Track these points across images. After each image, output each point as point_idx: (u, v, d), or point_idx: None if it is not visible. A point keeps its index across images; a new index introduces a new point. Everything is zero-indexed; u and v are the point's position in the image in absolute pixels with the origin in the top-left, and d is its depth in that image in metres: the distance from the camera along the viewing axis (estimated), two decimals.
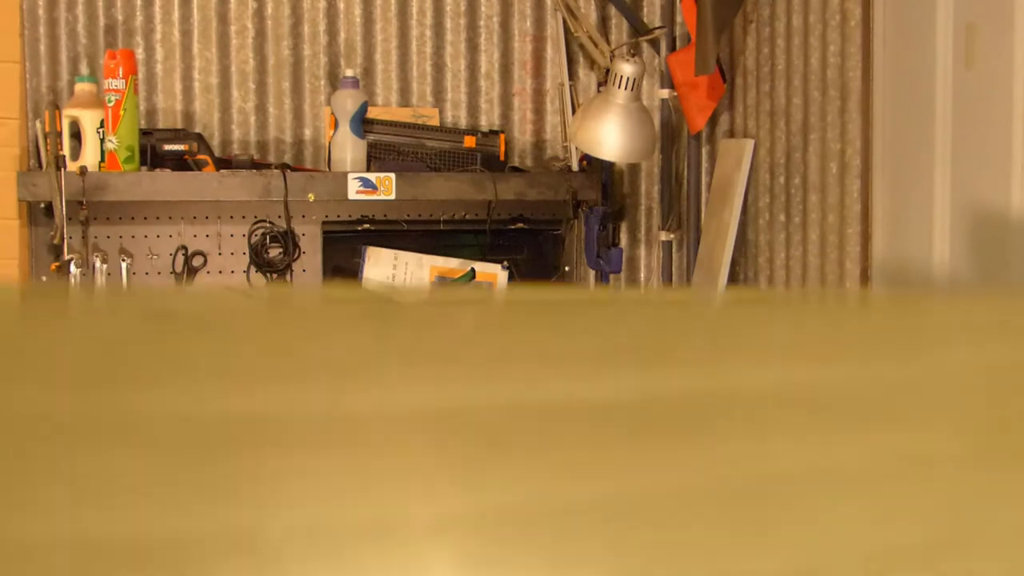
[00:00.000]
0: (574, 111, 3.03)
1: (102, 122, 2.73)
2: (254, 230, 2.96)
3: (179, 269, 2.92)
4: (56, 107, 2.77)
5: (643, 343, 0.49)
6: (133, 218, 2.91)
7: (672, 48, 3.12)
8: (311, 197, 2.84)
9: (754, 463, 0.46)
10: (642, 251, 3.24)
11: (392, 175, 2.86)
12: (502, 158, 3.05)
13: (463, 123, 3.14)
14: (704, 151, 3.11)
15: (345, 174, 2.85)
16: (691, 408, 0.46)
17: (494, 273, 3.01)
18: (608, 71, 2.85)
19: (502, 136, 3.07)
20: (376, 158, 2.96)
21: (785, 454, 0.46)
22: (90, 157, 2.73)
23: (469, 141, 3.03)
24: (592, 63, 3.13)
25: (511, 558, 0.41)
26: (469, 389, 0.44)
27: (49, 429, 0.38)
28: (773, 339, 0.50)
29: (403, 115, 3.10)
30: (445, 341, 0.48)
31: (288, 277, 2.96)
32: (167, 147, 2.84)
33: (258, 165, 2.93)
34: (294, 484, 0.39)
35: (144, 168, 2.79)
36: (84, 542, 0.37)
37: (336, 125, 2.90)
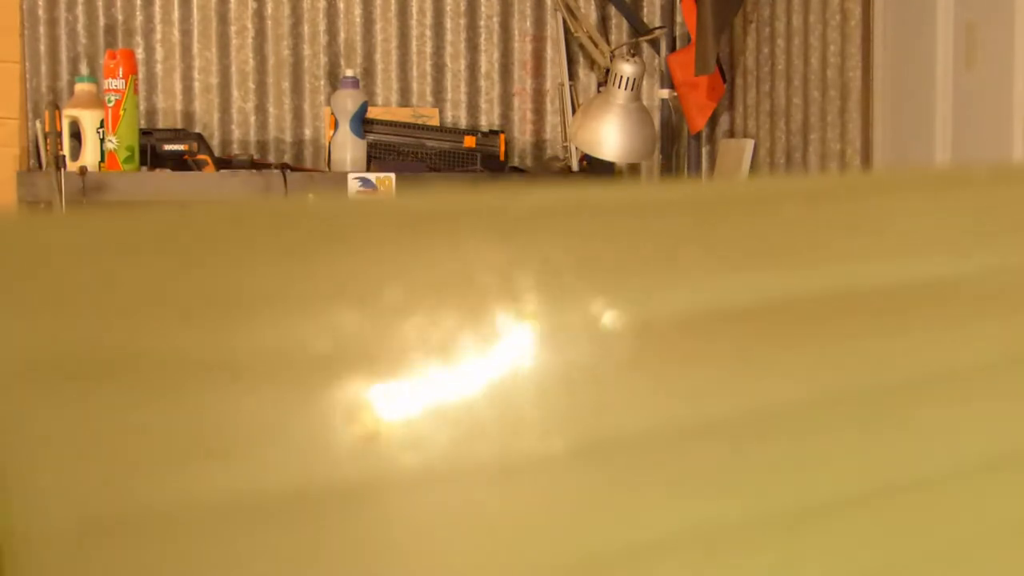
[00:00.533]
0: (574, 111, 3.03)
1: (102, 122, 2.73)
2: None
3: None
4: (56, 107, 2.77)
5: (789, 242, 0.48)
6: None
7: (672, 48, 3.12)
8: (311, 197, 2.84)
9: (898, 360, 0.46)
10: None
11: (392, 175, 2.86)
12: (502, 158, 3.05)
13: (463, 123, 3.14)
14: (704, 151, 3.11)
15: (345, 174, 2.85)
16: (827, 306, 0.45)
17: None
18: (608, 71, 2.85)
19: (502, 136, 3.07)
20: (376, 158, 2.96)
21: (929, 349, 0.46)
22: (90, 157, 2.73)
23: (469, 141, 3.03)
24: (592, 63, 3.13)
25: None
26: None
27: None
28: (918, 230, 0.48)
29: (403, 115, 3.10)
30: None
31: None
32: (167, 147, 2.84)
33: (258, 165, 2.93)
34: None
35: (144, 168, 2.79)
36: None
37: (336, 125, 2.90)
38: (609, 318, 0.41)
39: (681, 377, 0.43)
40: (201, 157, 2.85)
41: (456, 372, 0.40)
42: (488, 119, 3.16)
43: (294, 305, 0.39)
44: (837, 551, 0.45)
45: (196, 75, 3.04)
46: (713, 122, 3.03)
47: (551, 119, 3.18)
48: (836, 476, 0.45)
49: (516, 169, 3.09)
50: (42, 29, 2.96)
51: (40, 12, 2.95)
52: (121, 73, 2.72)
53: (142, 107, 2.94)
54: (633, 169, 3.21)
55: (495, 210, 0.42)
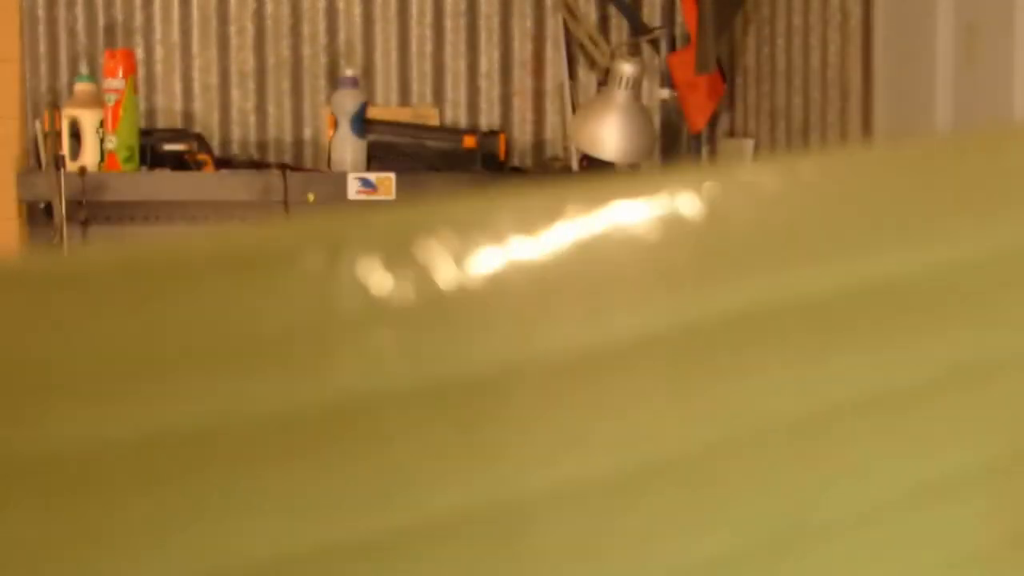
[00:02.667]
0: (574, 111, 3.03)
1: (102, 122, 2.73)
2: None
3: None
4: (56, 107, 2.77)
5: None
6: (133, 218, 2.90)
7: (672, 48, 3.11)
8: (311, 197, 2.84)
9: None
10: None
11: (392, 175, 2.85)
12: (502, 158, 3.05)
13: (463, 123, 3.14)
14: (704, 151, 3.11)
15: (345, 174, 2.85)
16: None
17: None
18: (608, 71, 2.85)
19: (502, 136, 3.06)
20: (376, 158, 2.96)
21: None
22: (90, 157, 2.73)
23: (469, 141, 3.03)
24: (592, 63, 3.13)
25: None
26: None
27: None
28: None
29: (403, 115, 3.10)
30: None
31: None
32: (167, 147, 2.84)
33: (258, 165, 2.93)
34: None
35: (144, 168, 2.79)
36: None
37: (336, 125, 2.90)
38: None
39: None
40: (201, 157, 2.85)
41: None
42: (488, 119, 3.16)
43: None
44: None
45: (196, 75, 3.04)
46: (713, 122, 3.02)
47: (551, 119, 3.18)
48: (755, 518, 0.40)
49: (516, 169, 3.09)
50: (42, 29, 2.96)
51: (40, 12, 2.95)
52: (121, 73, 2.71)
53: (142, 107, 2.94)
54: (633, 169, 3.21)
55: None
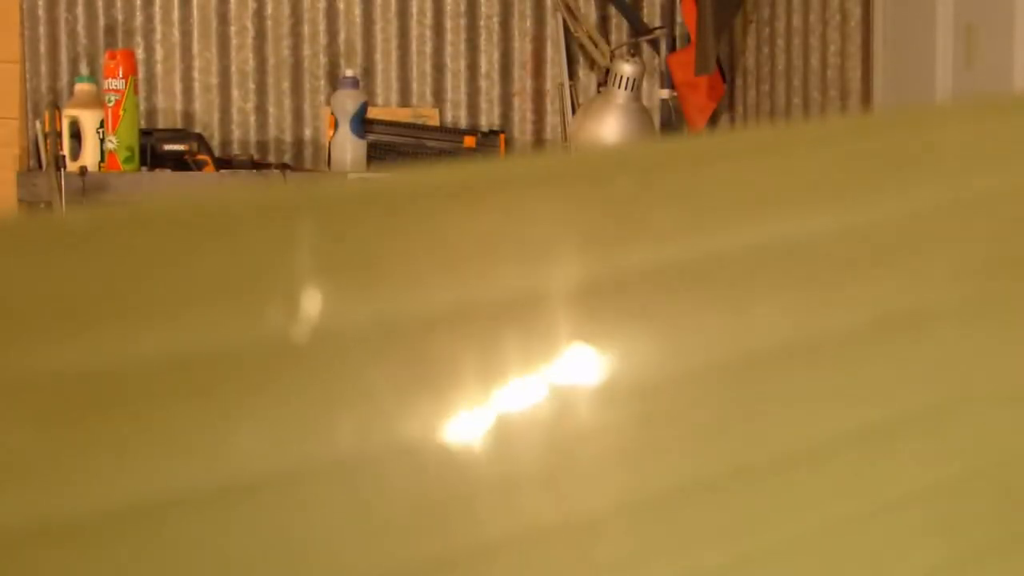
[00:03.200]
0: (574, 111, 3.03)
1: (102, 122, 2.73)
2: None
3: None
4: (56, 107, 2.77)
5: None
6: None
7: (672, 48, 3.12)
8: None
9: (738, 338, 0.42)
10: None
11: None
12: (502, 158, 3.05)
13: (463, 123, 3.14)
14: None
15: (345, 174, 2.85)
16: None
17: None
18: (608, 71, 2.85)
19: (502, 136, 3.07)
20: (376, 158, 2.96)
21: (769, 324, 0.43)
22: (90, 157, 2.73)
23: (469, 141, 3.03)
24: (592, 63, 3.13)
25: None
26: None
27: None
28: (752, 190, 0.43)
29: (403, 115, 3.10)
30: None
31: None
32: (167, 147, 2.84)
33: (258, 165, 2.93)
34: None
35: (144, 168, 2.79)
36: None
37: (336, 125, 2.90)
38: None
39: None
40: (201, 157, 2.85)
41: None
42: (488, 119, 3.16)
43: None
44: (683, 543, 0.41)
45: (196, 75, 3.04)
46: (713, 122, 3.03)
47: (551, 119, 3.18)
48: (680, 462, 0.41)
49: None
50: (42, 29, 2.96)
51: (40, 12, 2.95)
52: (121, 73, 2.72)
53: (142, 107, 2.94)
54: None
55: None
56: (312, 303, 0.35)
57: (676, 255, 0.41)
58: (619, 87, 2.75)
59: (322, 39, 3.08)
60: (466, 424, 0.37)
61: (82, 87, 2.80)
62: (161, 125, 3.00)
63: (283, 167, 2.88)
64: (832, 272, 0.44)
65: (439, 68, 3.14)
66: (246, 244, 0.34)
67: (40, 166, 2.79)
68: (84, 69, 2.95)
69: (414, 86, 3.13)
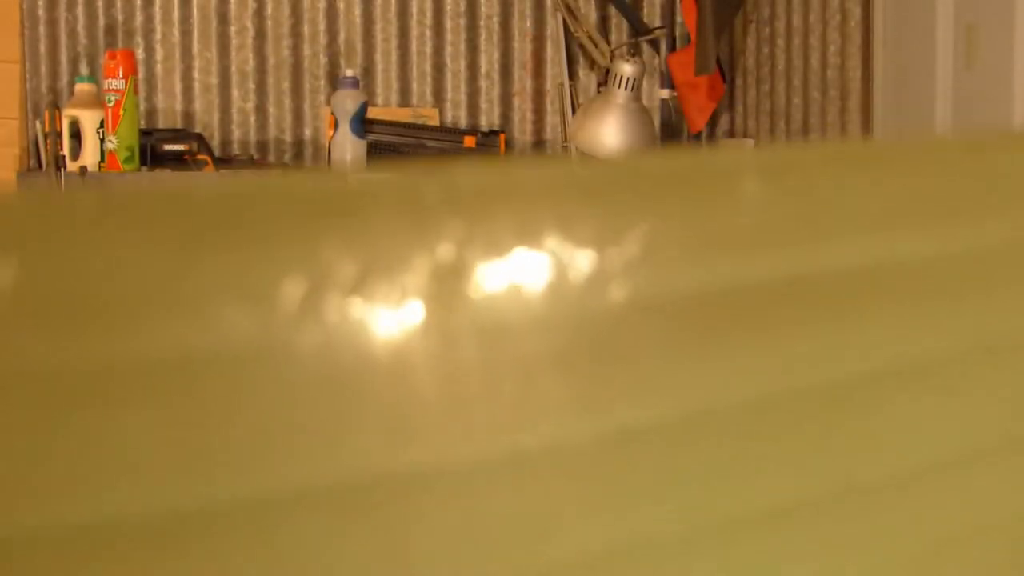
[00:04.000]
0: (574, 111, 3.03)
1: (102, 122, 2.73)
2: None
3: None
4: (56, 107, 2.77)
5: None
6: None
7: (672, 48, 3.12)
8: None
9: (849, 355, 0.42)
10: None
11: None
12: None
13: (463, 123, 3.14)
14: None
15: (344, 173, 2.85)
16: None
17: None
18: (608, 71, 2.85)
19: (502, 136, 3.06)
20: (376, 158, 2.96)
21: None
22: (90, 157, 2.73)
23: (469, 141, 3.03)
24: (592, 63, 3.13)
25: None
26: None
27: None
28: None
29: (403, 115, 3.10)
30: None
31: None
32: (167, 147, 2.84)
33: (258, 165, 2.93)
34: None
35: (144, 168, 2.79)
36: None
37: (336, 125, 2.90)
38: (527, 312, 0.37)
39: (606, 377, 0.38)
40: (201, 157, 2.85)
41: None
42: (488, 119, 3.16)
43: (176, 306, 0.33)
44: (794, 559, 0.41)
45: (196, 75, 3.04)
46: (713, 122, 3.03)
47: (551, 119, 3.18)
48: (791, 479, 0.41)
49: None
50: (42, 29, 2.96)
51: (40, 12, 2.95)
52: (121, 73, 2.71)
53: (142, 107, 2.94)
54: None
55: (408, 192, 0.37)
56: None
57: (793, 266, 0.41)
58: (619, 87, 2.75)
59: (322, 39, 3.08)
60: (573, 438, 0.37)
61: (82, 87, 2.80)
62: (161, 125, 3.00)
63: (283, 167, 2.88)
64: (938, 294, 0.44)
65: (439, 68, 3.14)
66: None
67: (40, 166, 2.79)
68: (84, 69, 2.95)
69: (414, 86, 3.13)
